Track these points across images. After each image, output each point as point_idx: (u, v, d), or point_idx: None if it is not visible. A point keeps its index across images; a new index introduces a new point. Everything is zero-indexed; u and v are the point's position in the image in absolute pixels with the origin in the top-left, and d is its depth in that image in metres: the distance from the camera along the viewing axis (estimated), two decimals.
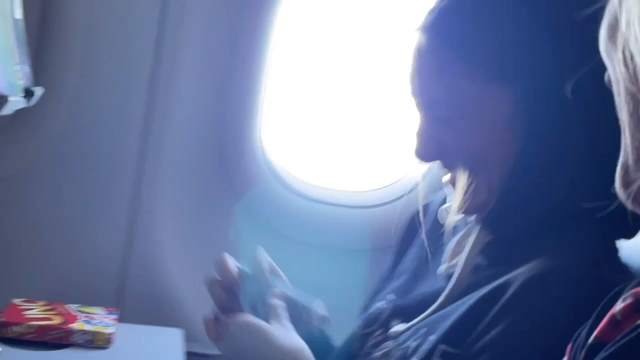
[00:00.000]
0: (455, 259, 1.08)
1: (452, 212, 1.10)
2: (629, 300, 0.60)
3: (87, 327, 1.36)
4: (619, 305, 0.61)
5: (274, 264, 1.22)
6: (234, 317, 1.09)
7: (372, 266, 1.51)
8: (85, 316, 1.41)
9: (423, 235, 1.18)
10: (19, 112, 1.31)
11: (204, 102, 1.70)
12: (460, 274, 1.04)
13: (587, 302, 0.73)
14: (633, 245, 0.99)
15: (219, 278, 1.17)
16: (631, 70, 0.53)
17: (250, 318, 1.09)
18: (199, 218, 1.73)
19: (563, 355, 0.69)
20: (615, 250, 0.99)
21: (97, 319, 1.41)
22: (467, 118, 1.00)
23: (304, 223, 1.81)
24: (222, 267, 1.18)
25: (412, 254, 1.24)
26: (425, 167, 1.22)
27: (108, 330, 1.37)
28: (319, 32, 1.90)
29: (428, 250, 1.15)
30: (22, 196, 1.63)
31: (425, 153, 1.05)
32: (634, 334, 0.56)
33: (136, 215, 1.68)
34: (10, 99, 1.20)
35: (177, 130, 1.68)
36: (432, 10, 1.03)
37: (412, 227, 1.27)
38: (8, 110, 1.21)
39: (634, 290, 0.61)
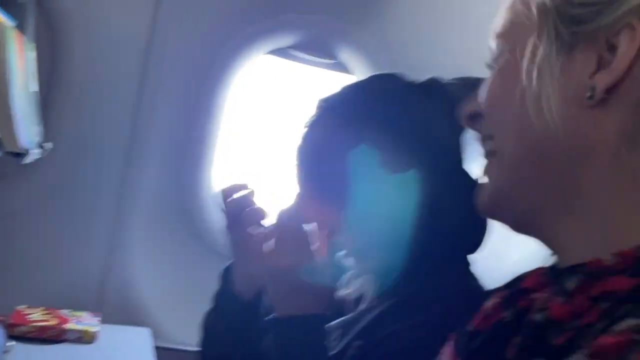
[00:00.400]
0: (350, 287, 1.20)
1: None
2: (496, 300, 0.67)
3: (77, 327, 1.50)
4: (489, 303, 0.68)
5: None
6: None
7: None
8: (75, 319, 1.55)
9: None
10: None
11: (168, 161, 1.89)
12: (366, 300, 1.14)
13: (460, 303, 0.78)
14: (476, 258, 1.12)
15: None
16: None
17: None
18: (163, 246, 1.90)
19: (446, 341, 0.74)
20: (469, 265, 1.11)
21: (85, 321, 1.55)
22: None
23: None
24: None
25: None
26: None
27: (94, 329, 1.51)
28: (256, 108, 2.09)
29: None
30: (27, 228, 1.77)
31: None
32: (499, 324, 0.64)
33: (114, 244, 1.85)
34: (31, 151, 1.41)
35: (148, 180, 1.86)
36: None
37: None
38: (29, 160, 1.41)
39: (499, 293, 0.68)
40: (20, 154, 1.36)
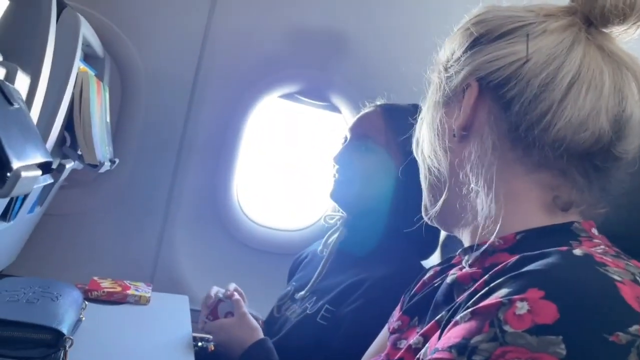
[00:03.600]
0: (327, 249, 1.28)
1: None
2: (431, 272, 0.75)
3: (136, 293, 1.56)
4: (427, 274, 0.75)
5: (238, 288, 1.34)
6: (214, 322, 1.24)
7: (288, 262, 1.61)
8: (134, 287, 1.61)
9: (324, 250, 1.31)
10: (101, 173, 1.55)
11: (205, 175, 1.95)
12: (327, 257, 1.24)
13: (408, 282, 0.83)
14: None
15: (207, 300, 1.32)
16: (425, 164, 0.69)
17: (222, 320, 1.23)
18: (198, 237, 1.96)
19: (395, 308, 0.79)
20: (420, 264, 1.18)
21: (142, 289, 1.61)
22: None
23: (255, 238, 2.03)
24: (207, 295, 1.33)
25: (302, 267, 1.43)
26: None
27: (148, 295, 1.57)
28: (267, 134, 2.18)
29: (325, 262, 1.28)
30: (102, 221, 1.88)
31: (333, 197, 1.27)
32: (430, 288, 0.70)
33: (164, 234, 1.94)
34: (104, 164, 1.45)
35: (190, 186, 1.94)
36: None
37: (297, 262, 1.50)
38: (102, 170, 1.46)
39: (434, 267, 0.75)
40: (96, 166, 1.39)
